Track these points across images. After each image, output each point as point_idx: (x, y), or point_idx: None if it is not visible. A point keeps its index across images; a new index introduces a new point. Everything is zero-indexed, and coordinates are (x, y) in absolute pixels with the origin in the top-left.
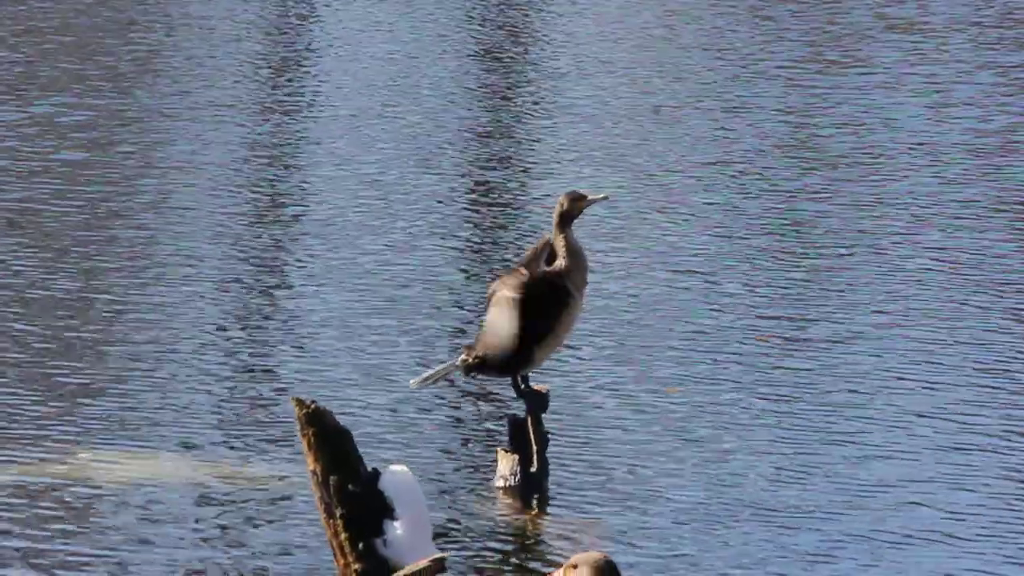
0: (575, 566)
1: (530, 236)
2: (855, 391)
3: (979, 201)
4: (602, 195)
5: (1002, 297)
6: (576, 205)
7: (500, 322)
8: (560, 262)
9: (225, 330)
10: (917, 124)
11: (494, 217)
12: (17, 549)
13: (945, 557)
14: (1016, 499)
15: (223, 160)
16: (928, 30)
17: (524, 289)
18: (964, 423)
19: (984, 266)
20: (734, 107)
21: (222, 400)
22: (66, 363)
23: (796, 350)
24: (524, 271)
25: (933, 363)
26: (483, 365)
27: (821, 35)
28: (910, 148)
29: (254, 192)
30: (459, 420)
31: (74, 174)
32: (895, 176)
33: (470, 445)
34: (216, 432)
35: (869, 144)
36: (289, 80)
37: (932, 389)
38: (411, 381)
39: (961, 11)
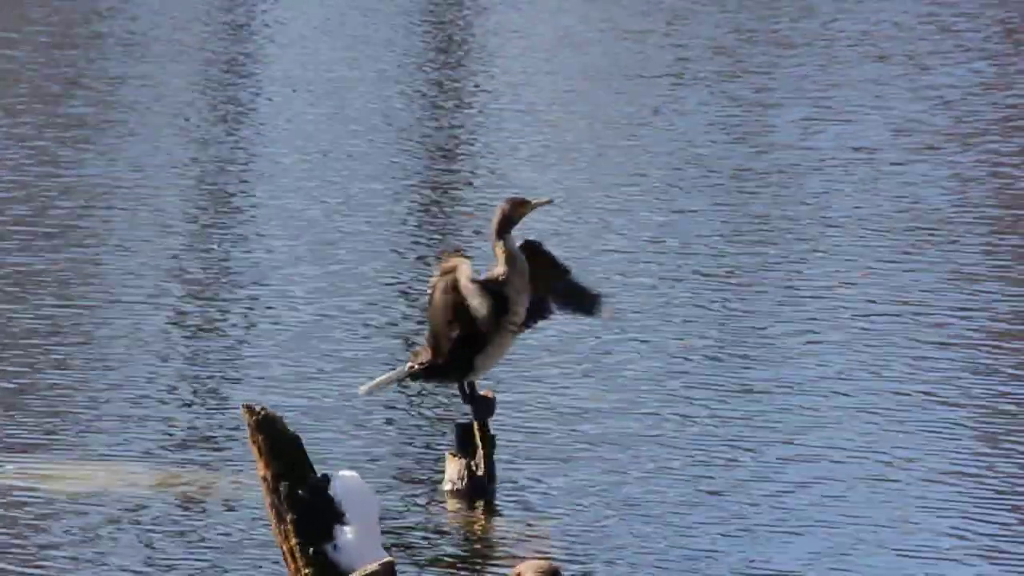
0: (519, 575)
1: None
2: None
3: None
4: (545, 199)
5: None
6: (517, 211)
7: (478, 309)
8: (499, 269)
9: (172, 338)
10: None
11: (442, 220)
12: None
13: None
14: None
15: (171, 160)
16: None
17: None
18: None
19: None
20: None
21: (169, 407)
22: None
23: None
24: (458, 257)
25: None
26: (429, 372)
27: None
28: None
29: (203, 195)
30: (408, 425)
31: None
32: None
33: (419, 450)
34: (163, 439)
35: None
36: (238, 83)
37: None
38: (360, 388)
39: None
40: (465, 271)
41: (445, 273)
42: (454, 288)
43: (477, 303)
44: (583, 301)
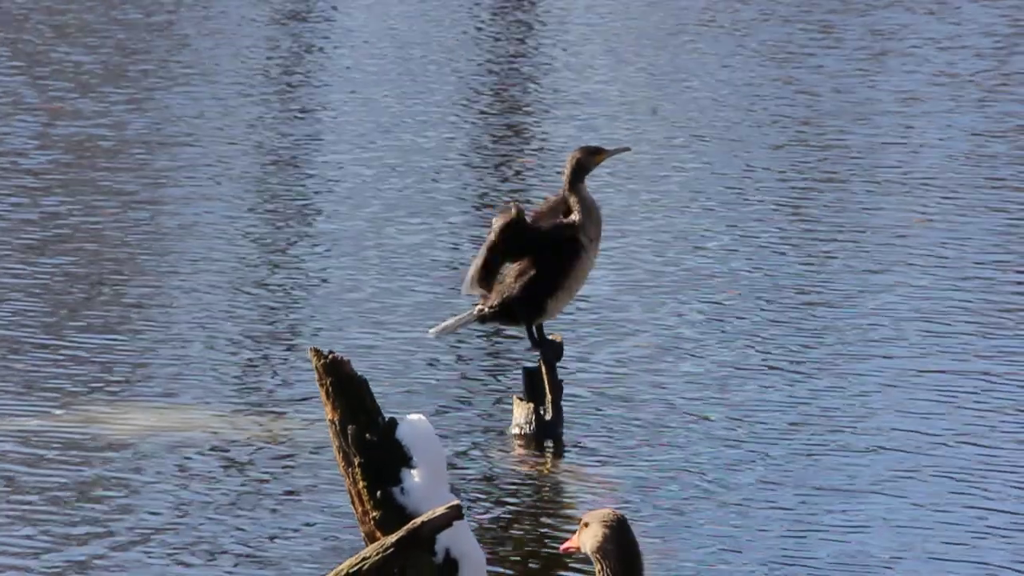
0: (587, 524)
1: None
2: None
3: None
4: (623, 147)
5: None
6: (592, 159)
7: (470, 275)
8: (575, 216)
9: (240, 288)
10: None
11: (505, 179)
12: (28, 502)
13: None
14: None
15: (234, 134)
16: None
17: (509, 218)
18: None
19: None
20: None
21: (239, 354)
22: (87, 318)
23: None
24: (513, 208)
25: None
26: (498, 314)
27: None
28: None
29: (266, 153)
30: (475, 369)
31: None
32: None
33: (486, 394)
34: (235, 385)
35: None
36: (299, 80)
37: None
38: (430, 330)
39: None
40: (498, 225)
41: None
42: (505, 230)
43: (471, 270)
44: None
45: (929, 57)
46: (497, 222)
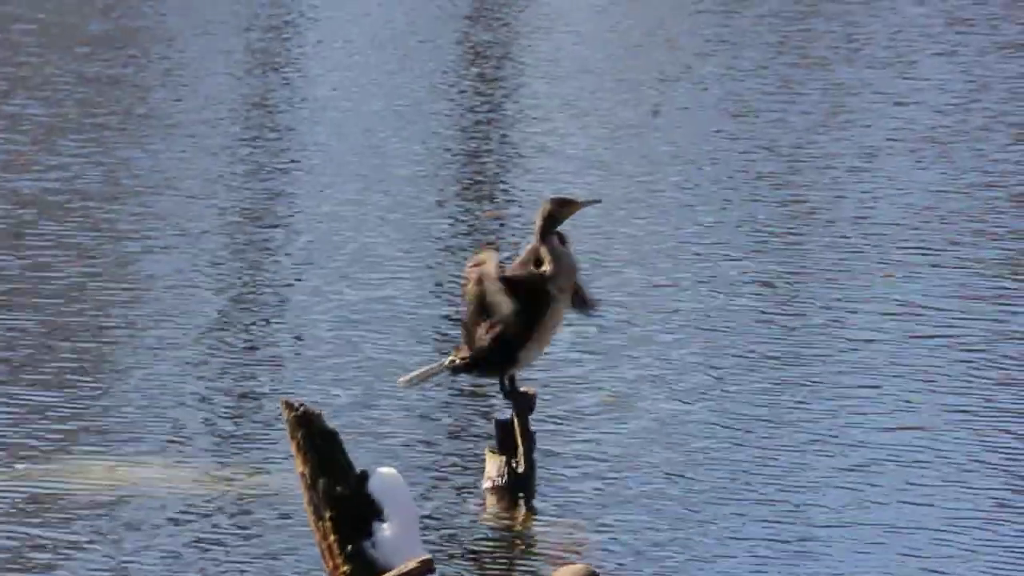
0: None
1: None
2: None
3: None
4: (593, 198)
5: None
6: (563, 211)
7: (501, 308)
8: (546, 267)
9: (208, 335)
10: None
11: (478, 218)
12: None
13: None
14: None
15: (211, 147)
16: None
17: (501, 270)
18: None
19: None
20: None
21: (210, 403)
22: (53, 363)
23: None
24: (489, 251)
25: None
26: (471, 366)
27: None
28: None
29: (242, 191)
30: (447, 422)
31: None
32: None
33: (458, 447)
34: (204, 436)
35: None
36: (278, 78)
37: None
38: (399, 379)
39: None
40: (492, 266)
41: (476, 266)
42: (482, 281)
43: (499, 300)
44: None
45: (888, 113)
46: (490, 265)
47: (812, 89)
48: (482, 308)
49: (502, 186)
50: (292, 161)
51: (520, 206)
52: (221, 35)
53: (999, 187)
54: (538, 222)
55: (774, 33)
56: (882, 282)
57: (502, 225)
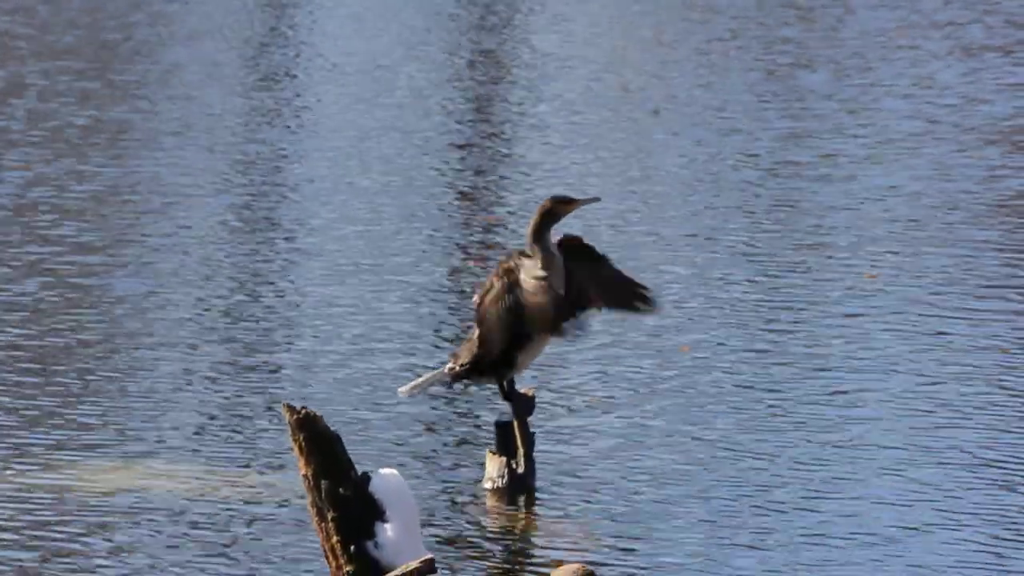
0: None
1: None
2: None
3: None
4: (592, 196)
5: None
6: (562, 208)
7: (546, 307)
8: (538, 271)
9: (212, 337)
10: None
11: (477, 220)
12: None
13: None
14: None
15: (213, 153)
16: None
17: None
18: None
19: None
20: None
21: (212, 407)
22: (50, 368)
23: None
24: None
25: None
26: (470, 371)
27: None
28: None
29: (242, 199)
30: (447, 424)
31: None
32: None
33: (458, 448)
34: (205, 439)
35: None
36: (274, 88)
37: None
38: (400, 389)
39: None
40: (531, 269)
41: (506, 272)
42: (511, 289)
43: (546, 300)
44: (629, 296)
45: (888, 113)
46: (528, 269)
47: (811, 90)
48: (513, 315)
49: (502, 190)
50: (292, 162)
51: (520, 208)
52: (213, 44)
53: (985, 191)
54: (534, 220)
55: (774, 33)
56: (868, 283)
57: (503, 228)
